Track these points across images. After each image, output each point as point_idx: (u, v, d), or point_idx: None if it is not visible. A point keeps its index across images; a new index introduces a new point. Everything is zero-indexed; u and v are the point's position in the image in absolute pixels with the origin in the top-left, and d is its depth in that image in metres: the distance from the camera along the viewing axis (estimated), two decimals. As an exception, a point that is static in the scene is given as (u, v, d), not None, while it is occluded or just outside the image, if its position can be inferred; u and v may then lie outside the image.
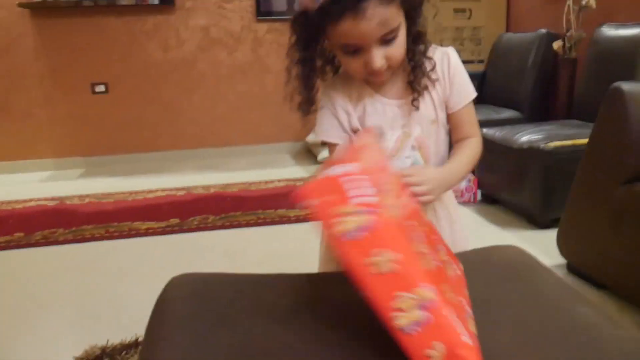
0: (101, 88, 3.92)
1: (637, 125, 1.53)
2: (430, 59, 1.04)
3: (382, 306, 0.62)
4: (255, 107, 4.13)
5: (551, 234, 1.96)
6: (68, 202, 3.00)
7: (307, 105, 1.06)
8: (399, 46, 0.96)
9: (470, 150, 1.08)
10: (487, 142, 2.54)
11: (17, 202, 3.04)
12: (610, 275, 1.68)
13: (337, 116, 1.08)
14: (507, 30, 3.73)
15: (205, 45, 3.99)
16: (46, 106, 3.86)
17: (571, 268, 1.89)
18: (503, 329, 0.75)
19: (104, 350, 1.46)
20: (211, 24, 3.97)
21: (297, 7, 0.99)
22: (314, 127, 1.15)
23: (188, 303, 0.88)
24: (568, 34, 2.91)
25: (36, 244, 2.39)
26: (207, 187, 3.20)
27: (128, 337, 1.53)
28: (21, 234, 2.50)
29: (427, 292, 0.61)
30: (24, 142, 3.87)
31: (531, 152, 2.28)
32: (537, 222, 2.35)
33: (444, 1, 3.55)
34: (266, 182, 3.28)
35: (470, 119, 1.09)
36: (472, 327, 0.68)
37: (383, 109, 1.06)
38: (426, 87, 1.04)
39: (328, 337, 0.75)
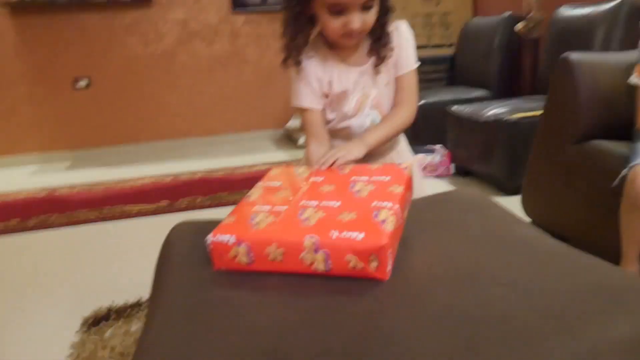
0: (83, 83, 4.01)
1: (584, 91, 1.70)
2: (388, 31, 1.22)
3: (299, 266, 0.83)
4: (236, 97, 4.26)
5: (518, 199, 2.14)
6: (58, 192, 3.10)
7: (296, 56, 1.22)
8: (372, 15, 1.15)
9: (392, 120, 1.27)
10: (458, 119, 2.73)
11: (7, 194, 3.13)
12: (568, 228, 1.86)
13: (310, 84, 1.25)
14: (475, 15, 3.90)
15: (184, 38, 4.10)
16: (30, 102, 3.94)
17: (535, 225, 2.07)
18: (457, 242, 0.91)
19: (110, 309, 1.60)
20: (189, 17, 4.08)
21: None
22: (293, 113, 1.32)
23: (189, 241, 1.02)
24: (529, 16, 3.09)
25: (32, 229, 2.50)
26: (193, 173, 3.32)
27: (132, 300, 1.66)
28: (16, 220, 2.60)
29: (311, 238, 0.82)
30: (10, 138, 3.95)
31: (497, 124, 2.45)
32: (506, 189, 2.52)
33: (414, -12, 3.72)
34: (250, 167, 3.42)
35: (408, 86, 1.28)
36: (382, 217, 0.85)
37: (347, 75, 1.25)
38: (385, 55, 1.22)
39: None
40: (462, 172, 2.89)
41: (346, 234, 0.80)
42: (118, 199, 2.86)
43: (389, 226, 0.82)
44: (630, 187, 1.36)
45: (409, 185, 1.01)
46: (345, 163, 1.12)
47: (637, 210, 1.36)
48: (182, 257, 1.00)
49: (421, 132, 3.23)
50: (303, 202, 0.94)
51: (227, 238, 0.86)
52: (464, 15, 3.86)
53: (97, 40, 3.96)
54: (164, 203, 2.73)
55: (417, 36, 3.77)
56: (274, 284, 0.84)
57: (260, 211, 0.93)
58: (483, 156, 2.61)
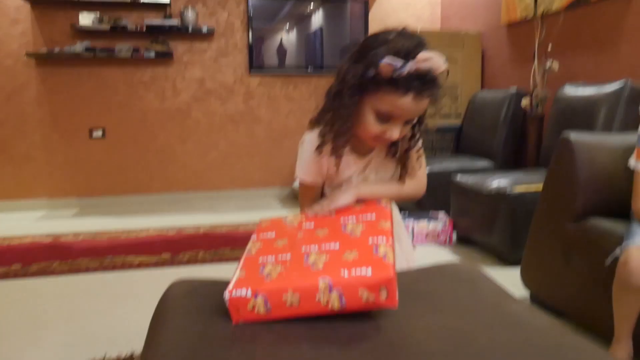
0: (98, 133, 4.12)
1: (583, 170, 1.74)
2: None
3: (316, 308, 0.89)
4: (245, 154, 4.35)
5: (518, 270, 2.14)
6: (63, 238, 3.13)
7: (344, 143, 1.22)
8: (407, 129, 1.18)
9: (400, 185, 1.30)
10: (461, 188, 2.77)
11: (13, 238, 3.17)
12: (566, 303, 1.85)
13: (320, 163, 1.27)
14: (482, 87, 4.02)
15: (200, 95, 4.24)
16: (45, 149, 4.04)
17: (533, 298, 2.06)
18: (446, 315, 0.92)
19: (102, 362, 1.59)
20: (206, 76, 4.23)
21: (355, 66, 1.12)
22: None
23: (186, 299, 1.04)
24: (534, 92, 3.18)
25: (33, 275, 2.51)
26: (197, 228, 3.35)
27: (124, 353, 1.65)
28: (18, 265, 2.62)
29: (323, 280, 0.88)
30: (22, 183, 4.03)
31: (499, 196, 2.48)
32: (507, 260, 2.53)
33: (423, 60, 3.85)
34: (254, 224, 3.43)
35: (414, 160, 1.30)
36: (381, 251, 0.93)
37: (354, 163, 1.28)
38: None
39: (305, 324, 0.92)
40: (464, 240, 2.90)
41: (355, 271, 0.88)
42: (121, 249, 2.88)
43: (390, 259, 0.90)
44: (622, 268, 1.37)
45: (391, 219, 1.08)
46: (333, 208, 1.15)
47: (628, 291, 1.36)
48: (177, 315, 1.02)
49: (425, 199, 3.26)
50: (304, 248, 0.99)
51: (244, 292, 0.90)
52: (472, 87, 3.98)
53: (115, 93, 4.10)
54: (166, 256, 2.75)
55: (424, 106, 3.85)
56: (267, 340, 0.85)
57: (267, 262, 0.98)
58: (485, 226, 2.62)
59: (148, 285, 2.34)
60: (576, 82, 2.89)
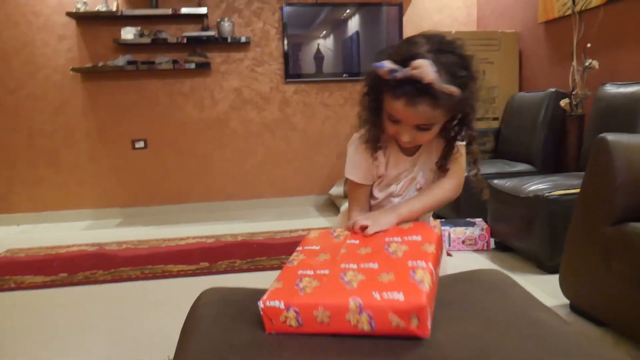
0: (141, 144, 4.25)
1: (621, 172, 1.69)
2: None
3: (346, 327, 0.89)
4: (282, 162, 4.39)
5: (557, 278, 2.08)
6: (107, 247, 3.24)
7: (375, 143, 1.26)
8: (428, 135, 1.18)
9: (435, 193, 1.29)
10: (498, 193, 2.72)
11: (60, 247, 3.30)
12: (607, 311, 1.79)
13: (367, 162, 1.30)
14: (520, 89, 3.94)
15: (237, 105, 4.31)
16: (91, 160, 4.20)
17: (573, 308, 2.00)
18: (471, 323, 0.92)
19: (139, 368, 1.64)
20: (243, 85, 4.30)
21: (380, 64, 1.14)
22: (337, 180, 1.38)
23: (216, 306, 1.07)
24: (574, 92, 3.09)
25: (78, 283, 2.61)
26: (235, 236, 3.41)
27: (160, 358, 1.70)
28: (65, 275, 2.73)
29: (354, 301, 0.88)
30: (69, 194, 4.19)
31: (537, 200, 2.43)
32: (546, 266, 2.47)
33: (459, 63, 3.80)
34: (291, 231, 3.47)
35: (454, 157, 1.28)
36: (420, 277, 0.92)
37: (402, 162, 1.31)
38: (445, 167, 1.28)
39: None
40: (502, 247, 2.84)
41: (387, 295, 0.87)
42: (161, 258, 2.96)
43: (426, 286, 0.88)
44: None
45: (439, 244, 1.06)
46: (373, 233, 1.15)
47: None
48: (207, 323, 1.04)
49: (462, 205, 3.23)
50: (343, 265, 1.00)
51: (277, 304, 0.92)
52: (510, 89, 3.90)
53: (156, 104, 4.22)
54: (204, 264, 2.81)
55: (460, 109, 3.80)
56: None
57: (305, 275, 0.99)
58: (523, 232, 2.57)
59: (186, 293, 2.37)
60: (617, 81, 2.80)
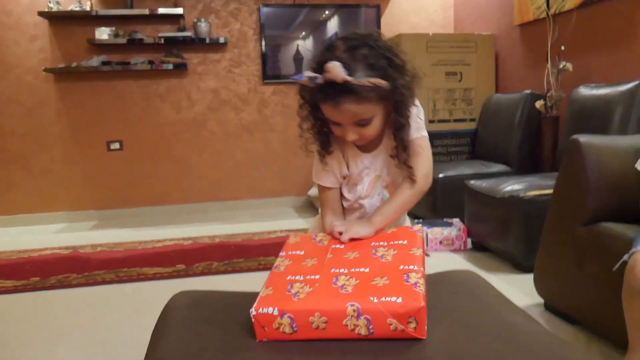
0: (116, 145, 4.18)
1: (593, 173, 1.71)
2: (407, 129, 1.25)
3: (342, 332, 0.89)
4: (261, 164, 4.37)
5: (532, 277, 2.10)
6: (81, 250, 3.18)
7: (325, 149, 1.28)
8: (372, 129, 1.19)
9: (403, 198, 1.28)
10: (475, 193, 2.74)
11: (33, 250, 3.23)
12: (579, 310, 1.81)
13: (329, 165, 1.32)
14: (496, 91, 3.98)
15: (215, 106, 4.28)
16: (64, 163, 4.12)
17: (547, 307, 2.02)
18: (448, 326, 0.91)
19: (112, 374, 1.61)
20: (220, 86, 4.27)
21: (298, 76, 1.17)
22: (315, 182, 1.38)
23: (187, 310, 1.05)
24: (549, 94, 3.14)
25: (51, 287, 2.56)
26: (212, 237, 3.38)
27: (134, 364, 1.67)
28: (37, 279, 2.67)
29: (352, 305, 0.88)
30: (42, 197, 4.11)
31: (512, 201, 2.45)
32: (521, 266, 2.49)
33: (436, 65, 3.82)
34: (269, 232, 3.46)
35: (418, 150, 1.28)
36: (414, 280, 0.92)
37: (361, 160, 1.31)
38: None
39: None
40: (479, 247, 2.86)
41: (385, 299, 0.87)
42: (137, 260, 2.91)
43: (422, 288, 0.89)
44: (630, 274, 1.33)
45: (423, 246, 1.08)
46: (351, 240, 1.15)
47: (637, 297, 1.33)
48: (177, 327, 1.03)
49: (439, 206, 3.24)
50: (333, 270, 0.99)
51: (270, 310, 0.90)
52: (486, 91, 3.94)
53: (132, 105, 4.16)
54: (180, 267, 2.77)
55: (439, 110, 3.85)
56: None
57: (295, 281, 0.97)
58: (499, 232, 2.59)
59: (162, 297, 2.34)
60: (591, 83, 2.84)
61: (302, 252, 1.10)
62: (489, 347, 0.83)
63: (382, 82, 1.10)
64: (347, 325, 0.87)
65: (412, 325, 0.86)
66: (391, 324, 0.86)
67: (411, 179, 1.27)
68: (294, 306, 0.90)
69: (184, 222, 3.98)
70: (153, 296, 2.40)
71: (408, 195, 1.28)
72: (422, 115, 1.30)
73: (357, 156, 1.31)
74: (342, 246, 1.11)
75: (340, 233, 1.16)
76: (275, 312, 0.89)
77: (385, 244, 1.08)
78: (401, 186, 1.29)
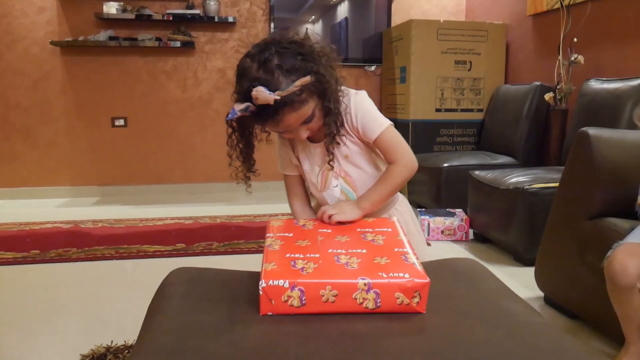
0: (121, 122, 4.17)
1: (601, 166, 1.68)
2: (339, 116, 1.25)
3: (350, 306, 0.91)
4: (265, 145, 4.33)
5: (533, 271, 2.09)
6: (82, 225, 3.18)
7: (247, 173, 1.35)
8: (316, 121, 1.22)
9: (386, 178, 1.30)
10: (479, 184, 2.71)
11: (34, 223, 3.23)
12: (580, 305, 1.80)
13: (287, 156, 1.39)
14: (506, 82, 3.93)
15: (221, 85, 4.25)
16: (68, 137, 4.11)
17: (548, 300, 2.01)
18: (447, 314, 0.90)
19: (108, 349, 1.61)
20: (227, 66, 4.23)
21: (231, 114, 1.16)
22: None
23: (183, 286, 1.04)
24: (559, 86, 3.10)
25: (50, 261, 2.56)
26: (213, 218, 3.37)
27: (131, 340, 1.67)
28: (37, 251, 2.68)
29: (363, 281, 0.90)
30: (45, 170, 4.11)
31: (517, 193, 2.42)
32: (523, 259, 2.47)
33: (446, 53, 3.77)
34: (270, 215, 3.45)
35: (388, 145, 1.29)
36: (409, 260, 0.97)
37: (309, 150, 1.34)
38: (338, 142, 1.27)
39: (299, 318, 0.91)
40: (481, 238, 2.84)
41: (393, 275, 0.91)
42: (137, 237, 2.91)
43: (421, 268, 0.94)
44: (608, 269, 1.35)
45: (404, 231, 1.13)
46: (339, 221, 1.20)
47: (619, 292, 1.33)
48: (174, 302, 1.02)
49: (442, 195, 3.23)
50: (331, 250, 1.02)
51: (282, 283, 0.91)
52: (495, 81, 3.89)
53: (138, 82, 4.14)
54: (180, 246, 2.77)
55: (447, 99, 3.81)
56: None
57: (296, 258, 0.99)
58: (502, 224, 2.57)
59: (160, 274, 2.34)
60: (602, 77, 2.80)
61: (292, 235, 1.12)
62: (488, 336, 0.81)
63: (306, 80, 1.11)
64: (356, 298, 0.90)
65: (416, 300, 0.90)
66: (398, 298, 0.90)
67: (390, 168, 1.30)
68: (306, 278, 0.91)
69: (186, 201, 3.98)
70: (152, 273, 2.39)
71: (393, 180, 1.29)
72: (367, 103, 1.29)
73: (306, 148, 1.34)
74: (330, 230, 1.14)
75: (330, 216, 1.20)
76: (286, 285, 0.90)
77: (371, 230, 1.12)
78: (386, 172, 1.31)
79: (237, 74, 1.16)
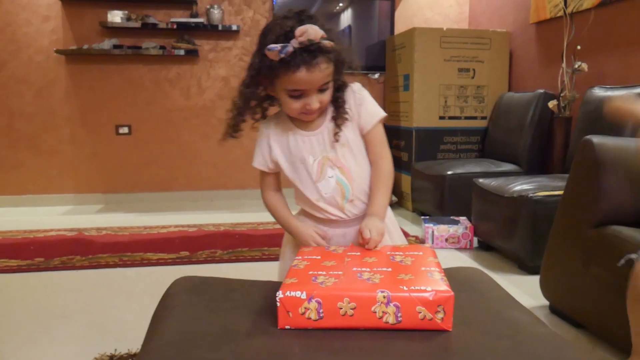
0: (125, 130, 4.18)
1: (605, 174, 1.68)
2: (344, 100, 1.28)
3: (370, 320, 0.88)
4: (269, 153, 4.34)
5: (538, 279, 2.08)
6: (86, 233, 3.19)
7: (233, 130, 1.32)
8: (328, 94, 1.22)
9: (382, 179, 1.31)
10: (483, 192, 2.71)
11: (38, 231, 3.24)
12: (585, 314, 1.79)
13: (264, 151, 1.35)
14: (509, 89, 3.93)
15: (225, 94, 4.26)
16: (72, 145, 4.13)
17: (552, 309, 2.00)
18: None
19: (111, 357, 1.60)
20: (231, 74, 4.25)
21: (256, 55, 1.19)
22: None
23: (187, 295, 1.04)
24: (562, 94, 3.09)
25: (54, 268, 2.56)
26: (217, 225, 3.37)
27: (134, 349, 1.66)
28: (41, 259, 2.68)
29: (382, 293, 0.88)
30: (49, 178, 4.12)
31: (521, 201, 2.42)
32: (527, 267, 2.46)
33: (449, 61, 3.78)
34: (274, 223, 3.44)
35: (380, 139, 1.32)
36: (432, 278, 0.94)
37: (302, 140, 1.30)
38: (344, 121, 1.27)
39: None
40: (485, 246, 2.83)
41: (415, 288, 0.88)
42: (141, 245, 2.91)
43: (446, 282, 0.91)
44: (637, 279, 1.31)
45: (436, 256, 1.10)
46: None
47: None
48: (177, 311, 1.01)
49: (446, 203, 3.22)
50: (355, 269, 0.99)
51: (299, 294, 0.89)
52: (499, 89, 3.89)
53: (142, 90, 4.15)
54: (184, 253, 2.77)
55: (450, 107, 3.81)
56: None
57: (318, 275, 0.97)
58: (506, 232, 2.56)
59: (164, 282, 2.34)
60: (605, 84, 2.80)
61: (319, 257, 1.10)
62: (492, 346, 0.81)
63: (335, 44, 1.15)
64: (375, 312, 0.87)
65: (440, 315, 0.87)
66: (420, 312, 0.86)
67: (380, 163, 1.31)
68: (323, 291, 0.89)
69: (190, 209, 3.98)
70: (155, 281, 2.40)
71: (388, 179, 1.31)
72: (365, 91, 1.32)
73: (298, 136, 1.30)
74: (359, 253, 1.12)
75: (367, 240, 1.16)
76: (304, 296, 0.89)
77: (402, 253, 1.09)
78: (377, 173, 1.31)
79: (264, 33, 1.18)
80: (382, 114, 1.30)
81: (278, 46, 1.10)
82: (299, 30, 1.09)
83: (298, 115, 1.24)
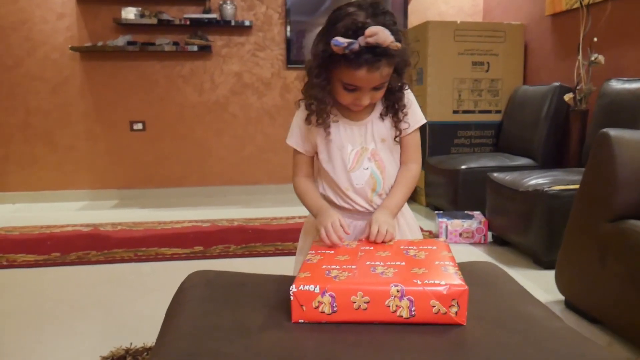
0: (139, 126, 4.21)
1: (622, 167, 1.65)
2: (403, 104, 1.29)
3: (383, 314, 0.88)
4: (281, 149, 4.35)
5: (553, 274, 2.06)
6: (101, 228, 3.22)
7: (323, 120, 1.26)
8: (381, 92, 1.23)
9: (407, 180, 1.32)
10: (498, 186, 2.69)
11: (55, 226, 3.27)
12: (601, 309, 1.77)
13: (309, 132, 1.33)
14: (524, 82, 3.89)
15: (238, 89, 4.27)
16: (87, 141, 4.16)
17: (568, 304, 1.98)
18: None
19: (127, 351, 1.62)
20: (244, 70, 4.26)
21: (321, 41, 1.18)
22: None
23: (202, 289, 1.04)
24: (578, 87, 3.05)
25: (71, 263, 2.59)
26: (231, 221, 3.38)
27: (150, 342, 1.68)
28: (57, 254, 2.71)
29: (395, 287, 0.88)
30: (65, 174, 4.17)
31: (536, 195, 2.39)
32: (542, 262, 2.44)
33: (463, 55, 3.74)
34: (287, 218, 3.45)
35: (415, 143, 1.34)
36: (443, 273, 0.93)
37: (344, 129, 1.30)
38: (401, 118, 1.29)
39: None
40: (499, 241, 2.81)
41: (429, 282, 0.88)
42: (155, 240, 2.93)
43: (460, 276, 0.90)
44: None
45: (450, 250, 1.09)
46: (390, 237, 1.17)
47: None
48: (192, 305, 1.02)
49: (460, 198, 3.20)
50: (369, 263, 0.99)
51: (312, 288, 0.89)
52: (513, 82, 3.85)
53: (156, 86, 4.18)
54: (198, 248, 2.79)
55: (464, 101, 3.78)
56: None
57: (332, 268, 0.97)
58: (521, 227, 2.54)
59: (179, 277, 2.35)
60: (622, 77, 2.75)
61: (332, 252, 1.10)
62: (506, 341, 0.80)
63: (400, 46, 1.13)
64: (389, 306, 0.87)
65: (454, 309, 0.86)
66: (434, 306, 0.86)
67: (410, 166, 1.33)
68: (336, 285, 0.89)
69: (203, 204, 4.01)
70: (170, 276, 2.42)
71: (411, 179, 1.33)
72: (412, 97, 1.33)
73: (340, 123, 1.30)
74: (372, 247, 1.11)
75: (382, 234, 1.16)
76: (317, 290, 0.89)
77: (415, 247, 1.09)
78: (402, 172, 1.32)
79: (337, 18, 1.16)
80: (423, 120, 1.32)
81: (344, 42, 1.09)
82: (369, 30, 1.08)
83: (347, 105, 1.25)
